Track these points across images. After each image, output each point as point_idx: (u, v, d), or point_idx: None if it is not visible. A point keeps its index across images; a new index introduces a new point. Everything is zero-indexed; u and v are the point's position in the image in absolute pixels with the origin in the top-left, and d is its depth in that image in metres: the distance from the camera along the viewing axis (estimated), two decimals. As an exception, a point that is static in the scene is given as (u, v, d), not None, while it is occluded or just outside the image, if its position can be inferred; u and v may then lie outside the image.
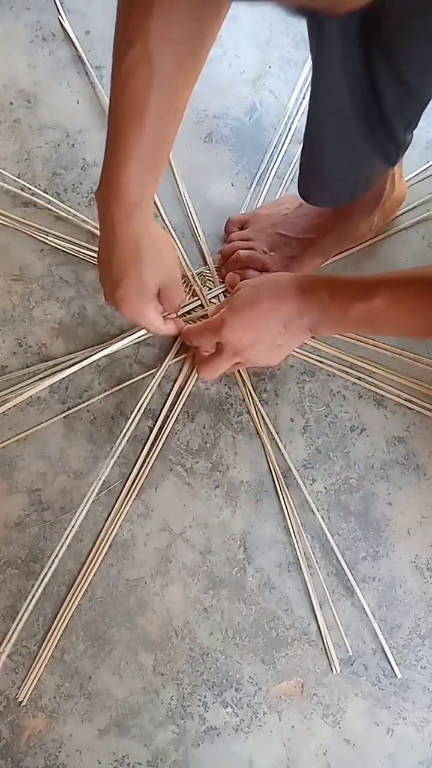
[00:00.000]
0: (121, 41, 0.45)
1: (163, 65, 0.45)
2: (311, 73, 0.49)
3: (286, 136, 0.75)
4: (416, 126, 0.53)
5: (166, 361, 0.67)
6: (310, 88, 0.50)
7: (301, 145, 0.58)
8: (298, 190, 0.62)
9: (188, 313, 0.69)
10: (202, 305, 0.70)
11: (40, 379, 0.65)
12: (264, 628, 0.62)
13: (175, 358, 0.68)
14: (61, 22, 0.77)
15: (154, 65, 0.45)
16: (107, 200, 0.50)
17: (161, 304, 0.59)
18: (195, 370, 0.67)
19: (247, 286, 0.57)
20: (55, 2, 0.78)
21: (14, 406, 0.64)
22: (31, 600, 0.60)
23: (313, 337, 0.67)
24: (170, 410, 0.66)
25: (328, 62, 0.45)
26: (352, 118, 0.49)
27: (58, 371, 0.65)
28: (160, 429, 0.66)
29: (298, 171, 0.61)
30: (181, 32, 0.45)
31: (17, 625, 0.59)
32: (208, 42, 0.47)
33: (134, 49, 0.45)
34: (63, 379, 0.66)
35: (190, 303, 0.70)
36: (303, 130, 0.76)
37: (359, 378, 0.69)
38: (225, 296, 0.71)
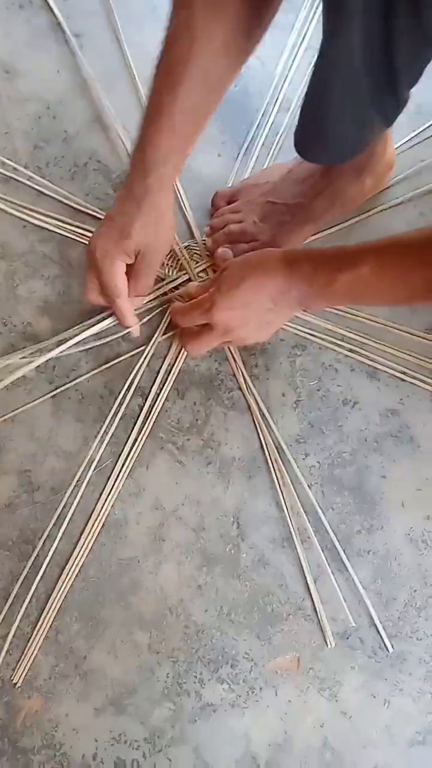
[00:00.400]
0: (172, 5, 0.48)
1: (207, 38, 0.47)
2: (324, 25, 0.48)
3: (274, 104, 0.73)
4: (416, 83, 0.51)
5: (155, 338, 0.66)
6: (321, 41, 0.49)
7: (303, 98, 0.57)
8: (295, 144, 0.61)
9: (176, 288, 0.68)
10: (190, 279, 0.68)
11: (24, 357, 0.64)
12: (259, 603, 0.62)
13: (164, 335, 0.67)
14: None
15: (196, 35, 0.47)
16: (134, 158, 0.55)
17: (130, 275, 0.59)
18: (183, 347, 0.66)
19: (233, 265, 0.57)
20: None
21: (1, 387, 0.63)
22: (23, 581, 0.60)
23: (305, 311, 0.66)
24: (160, 388, 0.65)
25: (346, 11, 0.44)
26: (361, 71, 0.48)
27: (45, 351, 0.64)
28: (151, 407, 0.65)
29: (295, 126, 0.60)
30: (230, 7, 0.46)
31: (10, 606, 0.59)
32: (258, 26, 0.49)
33: (179, 16, 0.48)
34: (51, 358, 0.64)
35: (178, 277, 0.68)
36: (291, 97, 0.75)
37: (351, 350, 0.67)
38: (213, 271, 0.69)
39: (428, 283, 0.46)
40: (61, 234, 0.68)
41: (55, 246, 0.68)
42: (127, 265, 0.58)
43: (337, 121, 0.57)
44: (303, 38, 0.76)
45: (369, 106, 0.53)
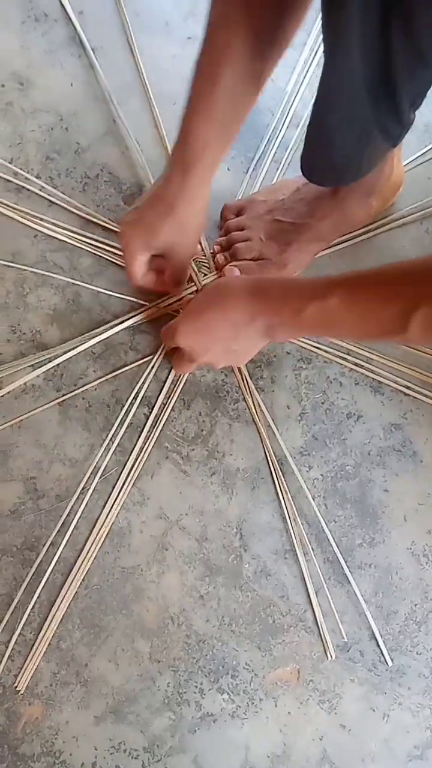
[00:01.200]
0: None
1: (243, 29, 0.47)
2: (324, 45, 0.48)
3: (284, 120, 0.74)
4: (420, 104, 0.52)
5: (162, 348, 0.67)
6: (323, 61, 0.50)
7: (308, 121, 0.57)
8: (302, 168, 0.62)
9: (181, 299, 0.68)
10: (197, 290, 0.69)
11: (32, 365, 0.65)
12: (260, 614, 0.62)
13: (170, 345, 0.68)
14: (57, 2, 0.76)
15: (230, 27, 0.47)
16: (173, 151, 0.55)
17: (161, 267, 0.61)
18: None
19: (200, 293, 0.58)
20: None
21: (8, 393, 0.64)
22: (26, 587, 0.60)
23: (270, 341, 0.66)
24: (166, 397, 0.66)
25: (345, 30, 0.45)
26: (362, 90, 0.48)
27: (52, 359, 0.64)
28: (156, 416, 0.65)
29: (301, 150, 0.60)
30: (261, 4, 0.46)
31: (12, 612, 0.59)
32: (298, 12, 0.48)
33: (217, 6, 0.48)
34: (58, 366, 0.65)
35: (187, 288, 0.69)
36: (301, 114, 0.76)
37: (356, 364, 0.68)
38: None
39: (400, 319, 0.44)
40: (71, 244, 0.69)
41: (66, 255, 0.69)
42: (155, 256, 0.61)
43: (342, 142, 0.57)
44: (314, 56, 0.77)
45: (372, 126, 0.53)
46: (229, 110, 0.53)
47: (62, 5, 0.76)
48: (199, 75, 0.52)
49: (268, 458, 0.65)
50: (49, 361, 0.64)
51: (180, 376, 0.66)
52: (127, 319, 0.66)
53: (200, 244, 0.71)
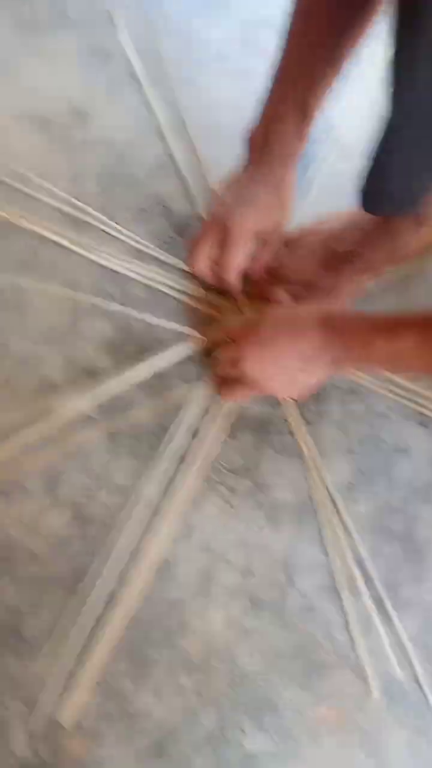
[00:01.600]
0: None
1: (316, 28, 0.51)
2: (392, 78, 0.49)
3: (333, 148, 0.75)
4: None
5: (208, 377, 0.67)
6: (392, 94, 0.51)
7: (373, 151, 0.58)
8: (359, 197, 0.62)
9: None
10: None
11: (84, 395, 0.66)
12: (304, 652, 0.61)
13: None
14: (118, 39, 0.78)
15: (309, 22, 0.50)
16: (263, 133, 0.57)
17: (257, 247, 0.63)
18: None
19: (267, 319, 0.57)
20: (111, 20, 0.80)
21: (60, 420, 0.65)
22: (72, 618, 0.60)
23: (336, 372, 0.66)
24: (213, 428, 0.66)
25: (420, 59, 0.45)
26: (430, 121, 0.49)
27: (103, 388, 0.65)
28: (202, 447, 0.66)
29: (356, 178, 0.61)
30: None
31: (59, 643, 0.60)
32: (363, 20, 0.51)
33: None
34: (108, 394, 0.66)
35: (235, 315, 0.70)
36: (347, 143, 0.76)
37: (404, 398, 0.68)
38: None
39: None
40: (124, 274, 0.70)
41: (119, 285, 0.71)
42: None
43: (406, 173, 0.58)
44: (360, 82, 0.78)
45: None
46: (311, 73, 0.54)
47: (121, 43, 0.79)
48: (289, 37, 0.53)
49: (315, 492, 0.65)
50: (101, 392, 0.65)
51: (227, 407, 0.67)
52: (175, 348, 0.67)
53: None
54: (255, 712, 0.60)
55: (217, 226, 0.61)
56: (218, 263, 0.63)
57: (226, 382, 0.63)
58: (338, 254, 0.68)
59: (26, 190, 0.72)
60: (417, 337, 0.47)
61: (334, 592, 0.62)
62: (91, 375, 0.67)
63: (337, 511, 0.64)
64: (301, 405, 0.67)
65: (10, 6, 0.79)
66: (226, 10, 0.83)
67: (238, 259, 0.62)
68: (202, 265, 0.63)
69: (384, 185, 0.61)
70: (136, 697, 0.59)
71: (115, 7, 0.81)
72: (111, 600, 0.61)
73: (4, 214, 0.70)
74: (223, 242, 0.61)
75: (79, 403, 0.65)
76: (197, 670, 0.60)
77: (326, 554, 0.63)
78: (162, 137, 0.76)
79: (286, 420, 0.67)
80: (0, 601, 0.60)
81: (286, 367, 0.56)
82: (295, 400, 0.67)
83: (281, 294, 0.68)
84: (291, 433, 0.67)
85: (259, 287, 0.69)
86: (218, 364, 0.62)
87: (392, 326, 0.49)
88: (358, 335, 0.51)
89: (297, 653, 0.61)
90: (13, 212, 0.70)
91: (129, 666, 0.60)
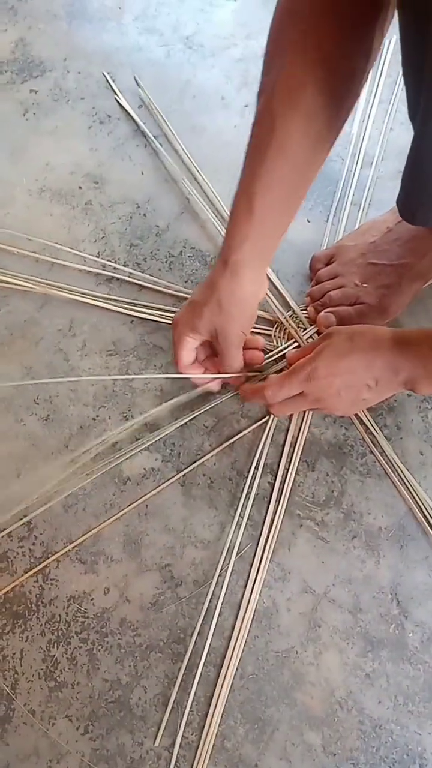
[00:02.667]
0: (258, 92, 0.50)
1: (286, 126, 0.47)
2: (426, 95, 0.47)
3: (357, 161, 0.73)
4: None
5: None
6: (423, 110, 0.49)
7: (407, 163, 0.56)
8: (401, 212, 0.59)
9: (283, 357, 0.67)
10: (299, 346, 0.67)
11: (146, 447, 0.64)
12: (437, 689, 0.56)
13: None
14: (117, 101, 0.80)
15: (275, 124, 0.47)
16: (223, 243, 0.56)
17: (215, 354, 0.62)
18: (305, 416, 0.64)
19: (340, 335, 0.55)
20: (109, 84, 0.82)
21: (130, 480, 0.63)
22: (179, 684, 0.57)
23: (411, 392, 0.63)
24: (288, 462, 0.63)
25: None
26: None
27: (166, 440, 0.64)
28: (282, 483, 0.62)
29: (399, 194, 0.58)
30: (309, 98, 0.47)
31: (170, 713, 0.56)
32: (339, 112, 0.49)
33: (261, 104, 0.49)
34: (174, 446, 0.64)
35: (288, 346, 0.67)
36: (371, 153, 0.75)
37: None
38: (318, 335, 0.68)
39: None
40: (166, 323, 0.70)
41: (163, 335, 0.70)
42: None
43: None
44: (374, 94, 0.76)
45: None
46: (269, 204, 0.52)
47: (120, 105, 0.81)
48: (244, 168, 0.51)
49: (412, 512, 0.60)
50: (164, 444, 0.63)
51: (297, 437, 0.64)
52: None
53: (286, 308, 0.69)
54: (397, 765, 0.54)
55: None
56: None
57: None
58: (382, 267, 0.65)
59: (57, 260, 0.73)
60: None
61: (455, 616, 0.57)
62: (151, 429, 0.66)
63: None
64: (375, 421, 0.64)
65: (15, 97, 0.83)
66: (213, 56, 0.84)
67: (181, 357, 0.61)
68: (183, 367, 0.62)
69: (425, 199, 0.59)
70: (263, 762, 0.55)
71: (109, 68, 0.83)
72: (215, 660, 0.57)
73: (39, 286, 0.71)
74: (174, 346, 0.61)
75: (145, 458, 0.64)
76: (323, 724, 0.55)
77: (437, 576, 0.58)
78: (176, 185, 0.76)
79: (362, 440, 0.63)
80: (100, 675, 0.57)
81: (354, 383, 0.53)
82: (367, 417, 0.63)
83: (329, 320, 0.65)
84: (371, 453, 0.63)
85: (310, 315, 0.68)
86: (279, 388, 0.58)
87: None
88: None
89: (430, 692, 0.55)
90: (47, 284, 0.71)
91: (248, 729, 0.56)
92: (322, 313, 0.66)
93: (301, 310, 0.69)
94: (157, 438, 0.64)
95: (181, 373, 0.63)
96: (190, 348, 0.60)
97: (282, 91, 0.47)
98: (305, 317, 0.68)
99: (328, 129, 0.49)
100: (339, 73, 0.46)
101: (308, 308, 0.69)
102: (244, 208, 0.52)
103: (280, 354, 0.67)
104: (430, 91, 0.46)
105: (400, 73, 0.48)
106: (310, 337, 0.68)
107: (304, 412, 0.64)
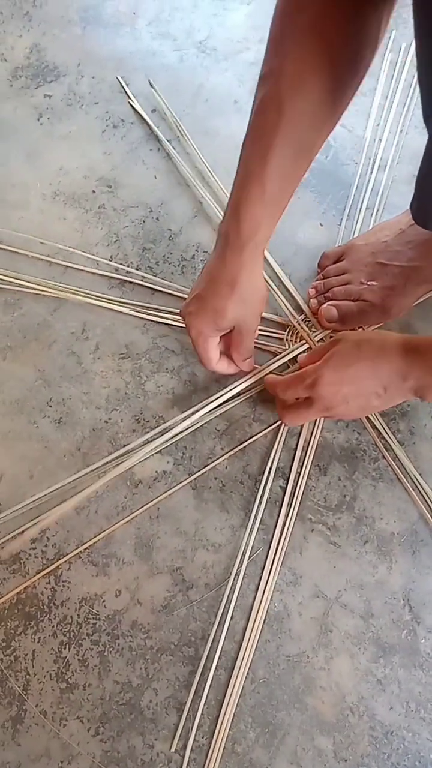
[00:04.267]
0: (260, 79, 0.49)
1: (294, 110, 0.47)
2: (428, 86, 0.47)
3: (372, 165, 0.73)
4: None
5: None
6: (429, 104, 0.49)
7: (420, 169, 0.55)
8: (414, 217, 0.59)
9: (295, 359, 0.67)
10: (310, 347, 0.67)
11: (158, 449, 0.64)
12: (449, 696, 0.55)
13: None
14: (131, 105, 0.81)
15: (283, 108, 0.47)
16: (225, 228, 0.54)
17: (230, 344, 0.61)
18: (317, 421, 0.64)
19: (347, 342, 0.54)
20: (123, 88, 0.82)
21: (141, 482, 0.63)
22: (191, 688, 0.57)
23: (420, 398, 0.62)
24: (300, 466, 0.63)
25: None
26: None
27: (178, 442, 0.64)
28: (294, 487, 0.62)
29: (412, 198, 0.58)
30: (315, 82, 0.46)
31: (182, 716, 0.56)
32: (343, 97, 0.48)
33: (267, 89, 0.48)
34: (186, 449, 0.65)
35: (297, 347, 0.67)
36: (385, 156, 0.74)
37: None
38: (330, 337, 0.68)
39: None
40: (179, 326, 0.70)
41: (175, 338, 0.70)
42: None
43: None
44: (388, 98, 0.76)
45: None
46: (279, 188, 0.51)
47: (134, 109, 0.81)
48: (249, 156, 0.51)
49: (426, 518, 0.60)
50: (165, 433, 0.63)
51: (310, 441, 0.64)
52: (236, 386, 0.65)
53: (300, 309, 0.69)
54: (408, 771, 0.54)
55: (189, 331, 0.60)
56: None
57: (290, 407, 0.59)
58: (391, 268, 0.65)
59: (70, 264, 0.73)
60: None
61: (467, 622, 0.57)
62: (164, 431, 0.66)
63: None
64: (388, 425, 0.63)
65: (29, 102, 0.83)
66: (226, 60, 0.84)
67: (210, 358, 0.60)
68: (215, 365, 0.62)
69: None
70: (273, 767, 0.55)
71: (122, 73, 0.84)
72: (226, 664, 0.57)
73: (52, 290, 0.71)
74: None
75: (157, 461, 0.64)
76: (334, 730, 0.55)
77: (450, 582, 0.58)
78: (189, 189, 0.76)
79: (375, 445, 0.63)
80: (111, 677, 0.58)
81: (362, 391, 0.53)
82: (380, 422, 0.63)
83: (331, 312, 0.65)
84: (384, 458, 0.63)
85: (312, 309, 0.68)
86: (285, 389, 0.59)
87: None
88: None
89: (440, 698, 0.55)
90: (60, 287, 0.72)
91: (259, 733, 0.56)
92: (324, 305, 0.66)
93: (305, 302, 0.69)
94: (170, 442, 0.64)
95: (214, 372, 0.63)
96: (215, 346, 0.60)
97: (289, 77, 0.47)
98: (315, 319, 0.68)
99: (333, 112, 0.50)
100: (344, 59, 0.46)
101: (310, 300, 0.69)
102: (257, 193, 0.51)
103: (292, 357, 0.67)
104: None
105: (415, 76, 0.48)
106: (321, 339, 0.68)
107: (316, 418, 0.64)
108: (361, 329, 0.67)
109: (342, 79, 0.47)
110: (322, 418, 0.65)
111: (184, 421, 0.63)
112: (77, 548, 0.62)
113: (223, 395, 0.64)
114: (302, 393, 0.57)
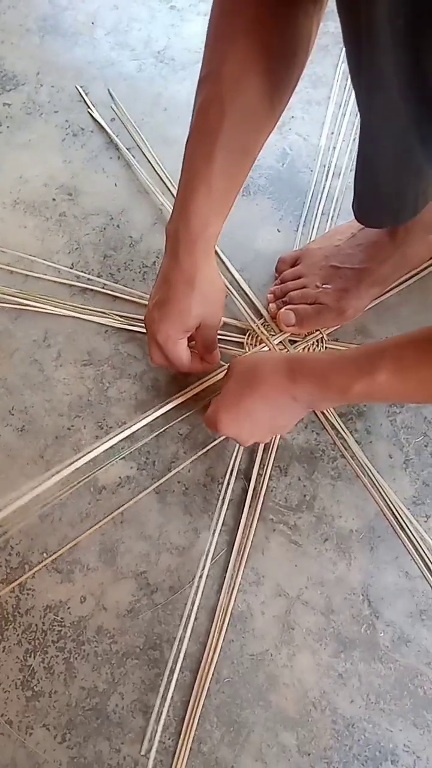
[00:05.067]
0: (200, 81, 0.50)
1: (236, 110, 0.48)
2: (358, 88, 0.49)
3: (327, 172, 0.75)
4: None
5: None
6: (360, 104, 0.50)
7: (355, 166, 0.57)
8: (355, 214, 0.61)
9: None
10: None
11: (122, 456, 0.65)
12: (408, 687, 0.57)
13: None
14: (90, 114, 0.81)
15: (225, 109, 0.48)
16: (175, 228, 0.54)
17: (196, 340, 0.62)
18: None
19: (232, 376, 0.57)
20: (82, 97, 0.83)
21: (105, 489, 0.64)
22: (156, 690, 0.57)
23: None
24: (261, 467, 0.64)
25: (379, 70, 0.45)
26: (407, 127, 0.48)
27: (141, 447, 0.65)
28: (255, 489, 0.64)
29: (351, 197, 0.60)
30: (255, 82, 0.47)
31: (147, 719, 0.57)
32: (282, 96, 0.50)
33: (207, 90, 0.49)
34: (149, 454, 0.65)
35: (259, 350, 0.69)
36: (340, 164, 0.76)
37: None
38: (291, 342, 0.69)
39: None
40: (140, 332, 0.71)
41: (137, 344, 0.71)
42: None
43: (393, 182, 0.57)
44: (341, 107, 0.78)
45: (423, 161, 0.53)
46: (225, 186, 0.53)
47: (93, 118, 0.82)
48: (193, 155, 0.51)
49: (383, 514, 0.61)
50: (139, 452, 0.64)
51: (270, 443, 0.65)
52: (194, 389, 0.66)
53: (260, 313, 0.71)
54: (370, 762, 0.55)
55: (150, 337, 0.60)
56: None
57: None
58: (344, 271, 0.67)
59: (31, 273, 0.73)
60: (391, 368, 0.45)
61: (426, 616, 0.58)
62: (127, 437, 0.66)
63: (410, 530, 0.60)
64: (346, 426, 0.65)
65: (-13, 107, 0.83)
66: (183, 69, 0.86)
67: (183, 359, 0.61)
68: (161, 362, 0.62)
69: (377, 198, 0.60)
70: (239, 764, 0.55)
71: (81, 82, 0.84)
72: (191, 665, 0.58)
73: (13, 298, 0.71)
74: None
75: (120, 467, 0.64)
76: (297, 725, 0.56)
77: (408, 578, 0.60)
78: (149, 196, 0.77)
79: (333, 444, 0.65)
80: (77, 683, 0.58)
81: (259, 420, 0.55)
82: (338, 422, 0.65)
83: (289, 317, 0.67)
84: (342, 457, 0.64)
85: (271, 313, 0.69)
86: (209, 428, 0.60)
87: (366, 364, 0.47)
88: (330, 380, 0.50)
89: (401, 690, 0.57)
90: (21, 295, 0.72)
91: (224, 732, 0.56)
92: (282, 310, 0.68)
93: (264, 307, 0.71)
94: (133, 448, 0.65)
95: (187, 374, 0.64)
96: (185, 347, 0.61)
97: (228, 78, 0.48)
98: (274, 324, 0.70)
99: (273, 111, 0.51)
100: (281, 60, 0.48)
101: (269, 305, 0.70)
102: (204, 192, 0.52)
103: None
104: (367, 89, 0.48)
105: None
106: (281, 342, 0.69)
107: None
108: (318, 332, 0.69)
109: (280, 79, 0.49)
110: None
111: (145, 425, 0.63)
112: (42, 555, 0.62)
113: (181, 396, 0.65)
114: (217, 434, 0.59)
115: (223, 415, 0.56)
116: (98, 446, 0.64)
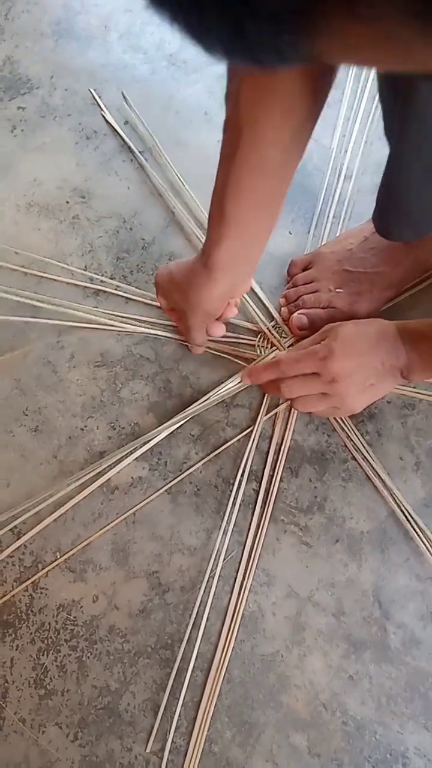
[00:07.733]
0: (225, 96, 0.49)
1: (251, 130, 0.47)
2: (400, 114, 0.48)
3: (338, 175, 0.75)
4: None
5: (259, 419, 0.66)
6: (392, 131, 0.50)
7: (381, 183, 0.57)
8: (377, 228, 0.61)
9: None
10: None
11: (134, 455, 0.65)
12: (419, 689, 0.57)
13: (266, 415, 0.67)
14: (104, 117, 0.82)
15: (241, 127, 0.47)
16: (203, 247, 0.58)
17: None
18: (289, 424, 0.66)
19: (347, 325, 0.57)
20: (96, 100, 0.84)
21: (118, 489, 0.64)
22: (168, 690, 0.58)
23: (406, 380, 0.63)
24: (273, 469, 0.65)
25: (422, 104, 0.45)
26: None
27: (153, 448, 0.65)
28: (267, 490, 0.64)
29: (374, 210, 0.60)
30: (274, 105, 0.46)
31: (159, 718, 0.57)
32: (308, 120, 0.48)
33: (228, 109, 0.48)
34: (161, 454, 0.66)
35: (269, 354, 0.69)
36: (351, 166, 0.77)
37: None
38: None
39: None
40: (153, 334, 0.71)
41: (149, 346, 0.71)
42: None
43: (419, 201, 0.57)
44: (353, 111, 0.79)
45: None
46: (244, 210, 0.52)
47: (107, 121, 0.83)
48: (217, 172, 0.51)
49: (395, 516, 0.61)
50: (145, 443, 0.64)
51: (281, 445, 0.65)
52: (214, 393, 0.67)
53: (271, 315, 0.71)
54: (381, 764, 0.55)
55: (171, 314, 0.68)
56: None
57: (295, 382, 0.58)
58: (356, 275, 0.67)
59: (45, 275, 0.74)
60: None
61: (436, 617, 0.58)
62: (139, 438, 0.67)
63: (421, 531, 0.60)
64: (357, 428, 0.65)
65: (2, 114, 0.84)
66: (196, 72, 0.86)
67: (198, 336, 0.66)
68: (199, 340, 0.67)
69: (398, 214, 0.60)
70: (250, 765, 0.56)
71: (94, 85, 0.85)
72: (203, 665, 0.58)
73: (27, 301, 0.72)
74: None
75: (133, 467, 0.65)
76: (308, 726, 0.57)
77: (419, 580, 0.60)
78: (162, 199, 0.78)
79: (344, 446, 0.65)
80: (90, 682, 0.58)
81: (365, 364, 0.55)
82: (349, 424, 0.65)
83: (301, 320, 0.67)
84: (353, 459, 0.64)
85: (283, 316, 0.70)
86: (292, 365, 0.58)
87: None
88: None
89: (412, 692, 0.57)
90: (35, 297, 0.72)
91: (235, 733, 0.57)
92: (294, 314, 0.68)
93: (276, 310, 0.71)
94: (145, 448, 0.65)
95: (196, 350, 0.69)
96: (204, 332, 0.65)
97: (247, 99, 0.46)
98: (285, 326, 0.70)
99: (298, 137, 0.49)
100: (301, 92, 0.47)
101: (281, 309, 0.70)
102: (216, 213, 0.53)
103: (261, 360, 0.68)
104: (403, 119, 0.48)
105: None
106: (291, 345, 0.69)
107: (287, 418, 0.66)
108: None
109: (307, 97, 0.47)
110: (294, 421, 0.66)
111: (164, 430, 0.64)
112: (55, 555, 0.62)
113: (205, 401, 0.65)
114: (311, 368, 0.56)
115: (337, 348, 0.55)
116: (120, 453, 0.65)
